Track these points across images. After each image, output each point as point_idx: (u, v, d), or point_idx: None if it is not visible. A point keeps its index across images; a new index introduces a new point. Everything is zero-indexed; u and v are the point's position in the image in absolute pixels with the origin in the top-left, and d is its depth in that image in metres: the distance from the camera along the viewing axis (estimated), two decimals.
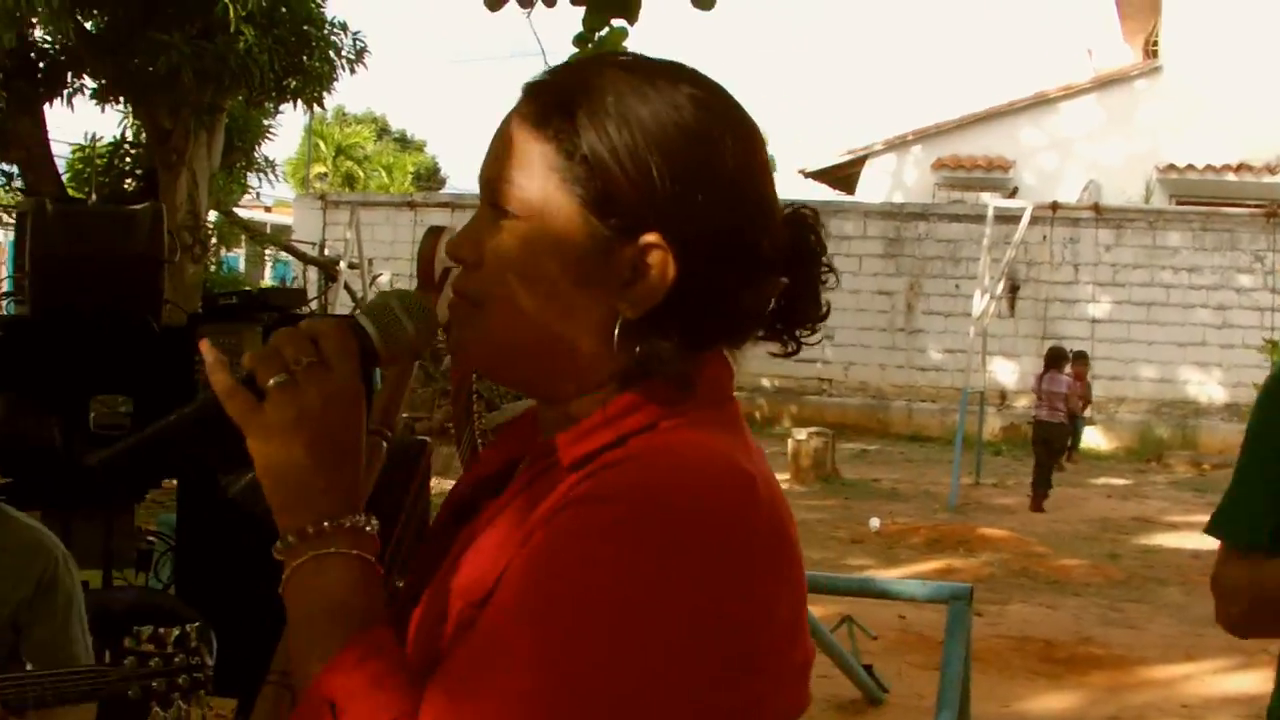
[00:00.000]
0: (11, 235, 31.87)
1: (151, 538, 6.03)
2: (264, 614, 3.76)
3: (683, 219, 1.52)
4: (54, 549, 3.98)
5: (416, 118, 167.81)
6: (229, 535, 4.85)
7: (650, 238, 1.52)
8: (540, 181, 1.54)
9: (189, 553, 5.11)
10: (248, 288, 22.20)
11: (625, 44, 6.65)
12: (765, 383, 25.77)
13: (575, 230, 1.54)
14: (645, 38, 8.49)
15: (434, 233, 3.53)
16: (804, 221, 1.66)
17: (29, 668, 3.76)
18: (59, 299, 5.31)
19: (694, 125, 1.55)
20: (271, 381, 1.51)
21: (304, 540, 1.53)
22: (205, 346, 1.56)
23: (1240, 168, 29.04)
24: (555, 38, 6.35)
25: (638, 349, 1.55)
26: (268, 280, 33.29)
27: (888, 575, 11.37)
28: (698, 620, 1.41)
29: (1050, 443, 18.18)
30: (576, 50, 6.62)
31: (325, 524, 1.53)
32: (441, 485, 3.81)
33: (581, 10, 6.60)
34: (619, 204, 1.53)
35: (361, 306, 1.60)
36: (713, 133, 1.56)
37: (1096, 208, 26.16)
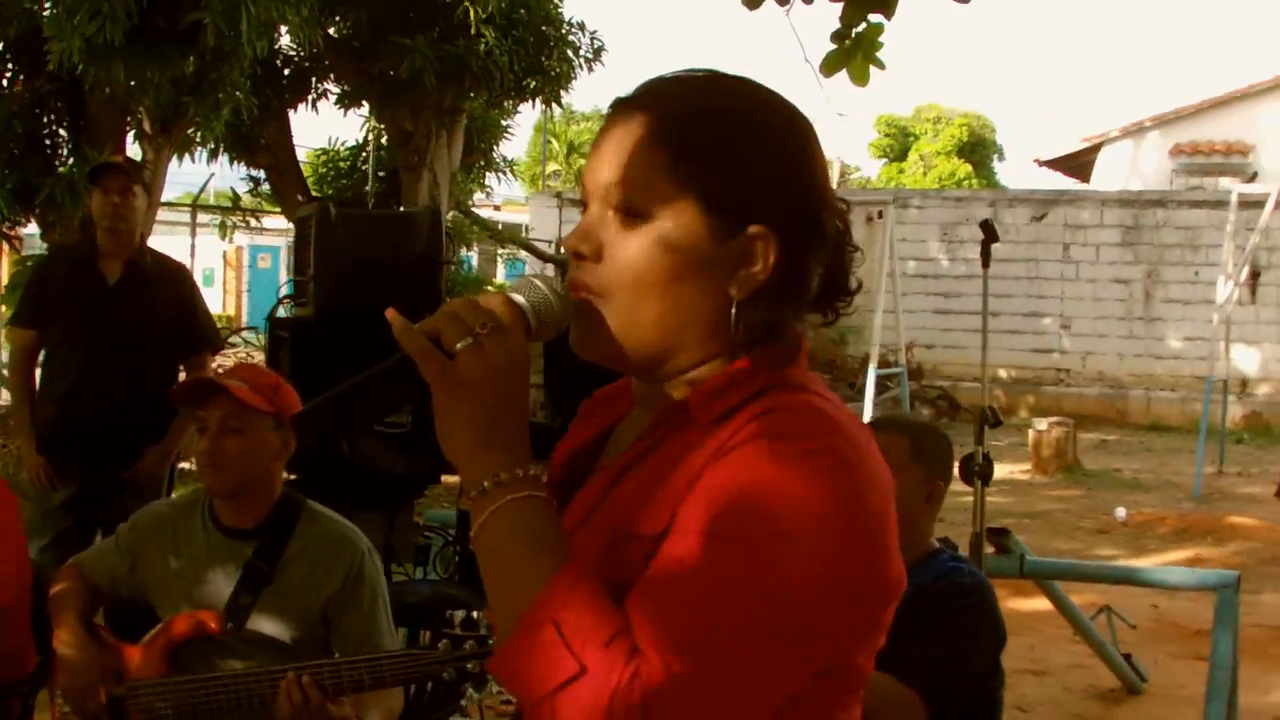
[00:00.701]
0: (254, 239, 32.43)
1: (428, 533, 6.18)
2: None
3: (780, 211, 1.82)
4: (360, 543, 4.16)
5: None
6: None
7: (756, 229, 1.81)
8: (659, 185, 1.80)
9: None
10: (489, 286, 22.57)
11: (881, 39, 6.70)
12: (1002, 373, 25.51)
13: (693, 227, 1.80)
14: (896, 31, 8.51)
15: None
16: (841, 212, 1.94)
17: (337, 657, 3.94)
18: (342, 300, 5.50)
19: (784, 132, 1.86)
20: (459, 344, 1.68)
21: (498, 486, 1.70)
22: (392, 314, 1.74)
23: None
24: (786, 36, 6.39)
25: (750, 323, 1.83)
26: (501, 279, 33.60)
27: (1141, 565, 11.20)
28: (872, 523, 1.74)
29: None
30: (834, 46, 6.69)
31: (517, 470, 1.70)
32: None
33: (839, 7, 6.64)
34: (729, 201, 1.80)
35: (510, 287, 1.78)
36: (797, 139, 1.87)
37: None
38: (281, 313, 6.11)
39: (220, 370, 5.67)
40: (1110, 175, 30.59)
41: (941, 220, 27.83)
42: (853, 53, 6.70)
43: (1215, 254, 23.49)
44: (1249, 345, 24.62)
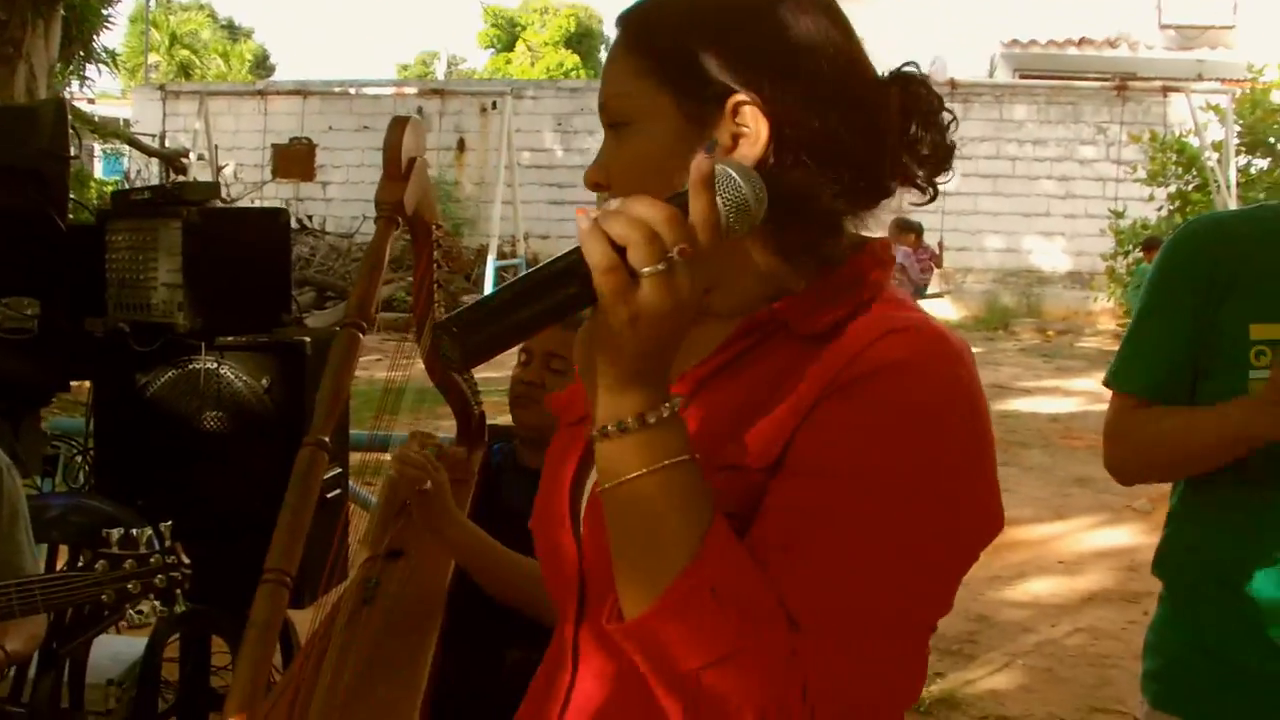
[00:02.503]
0: None
1: (57, 442, 5.90)
2: (195, 514, 3.74)
3: (761, 78, 1.64)
4: None
5: (241, 4, 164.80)
6: (151, 437, 4.80)
7: (734, 99, 1.64)
8: (636, 91, 1.69)
9: (109, 456, 5.02)
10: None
11: None
12: None
13: (671, 118, 1.67)
14: None
15: (399, 123, 3.48)
16: (911, 78, 1.76)
17: None
18: None
19: (753, 4, 1.70)
20: (647, 269, 1.42)
21: (643, 426, 1.49)
22: (581, 214, 1.48)
23: (1082, 42, 29.40)
24: None
25: (782, 190, 1.60)
26: (99, 174, 32.46)
27: None
28: (983, 447, 1.62)
29: None
30: None
31: (661, 409, 1.50)
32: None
33: None
34: (697, 80, 1.66)
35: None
36: (765, 10, 1.69)
37: (952, 83, 26.31)
38: None
39: None
40: None
41: (556, 111, 27.95)
42: None
43: None
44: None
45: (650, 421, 1.48)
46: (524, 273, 1.46)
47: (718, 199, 1.47)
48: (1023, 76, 29.43)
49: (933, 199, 1.77)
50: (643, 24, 1.72)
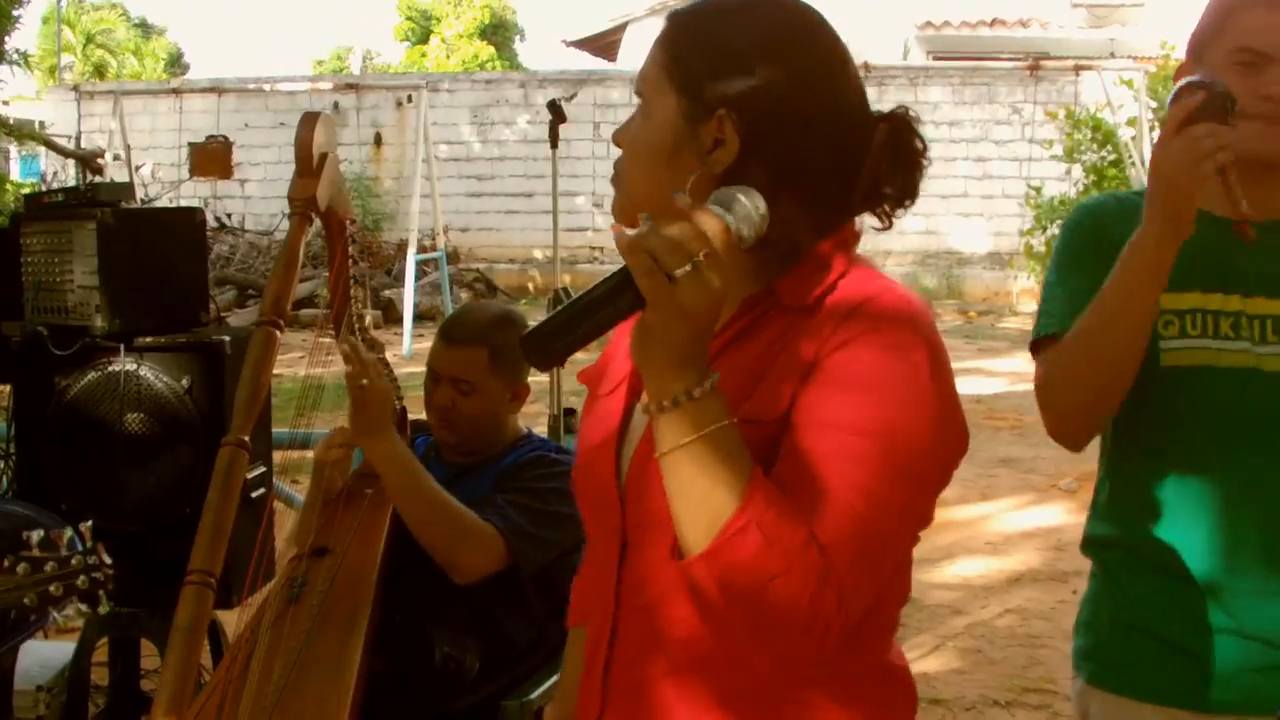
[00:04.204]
0: None
1: None
2: (119, 517, 3.72)
3: (749, 96, 2.01)
4: None
5: (153, 3, 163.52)
6: (72, 440, 4.77)
7: (721, 111, 2.01)
8: (656, 77, 2.07)
9: (30, 460, 4.99)
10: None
11: None
12: (538, 254, 25.77)
13: (670, 108, 2.05)
14: None
15: (309, 120, 3.48)
16: (899, 121, 2.12)
17: None
18: None
19: (772, 25, 2.06)
20: (679, 271, 1.73)
21: (691, 400, 1.81)
22: (617, 230, 1.88)
23: (994, 23, 29.59)
24: None
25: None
26: (15, 176, 32.16)
27: None
28: (949, 380, 2.00)
29: None
30: None
31: (705, 384, 1.81)
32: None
33: None
34: (695, 83, 2.03)
35: (713, 199, 1.88)
36: (789, 31, 2.06)
37: (866, 66, 26.35)
38: None
39: None
40: (638, 54, 31.00)
41: (472, 103, 27.95)
42: None
43: None
44: None
45: (696, 395, 1.81)
46: (584, 291, 1.80)
47: (730, 215, 1.83)
48: (936, 58, 29.58)
49: (887, 227, 2.16)
50: (679, 27, 2.08)
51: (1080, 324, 2.78)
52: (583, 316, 1.79)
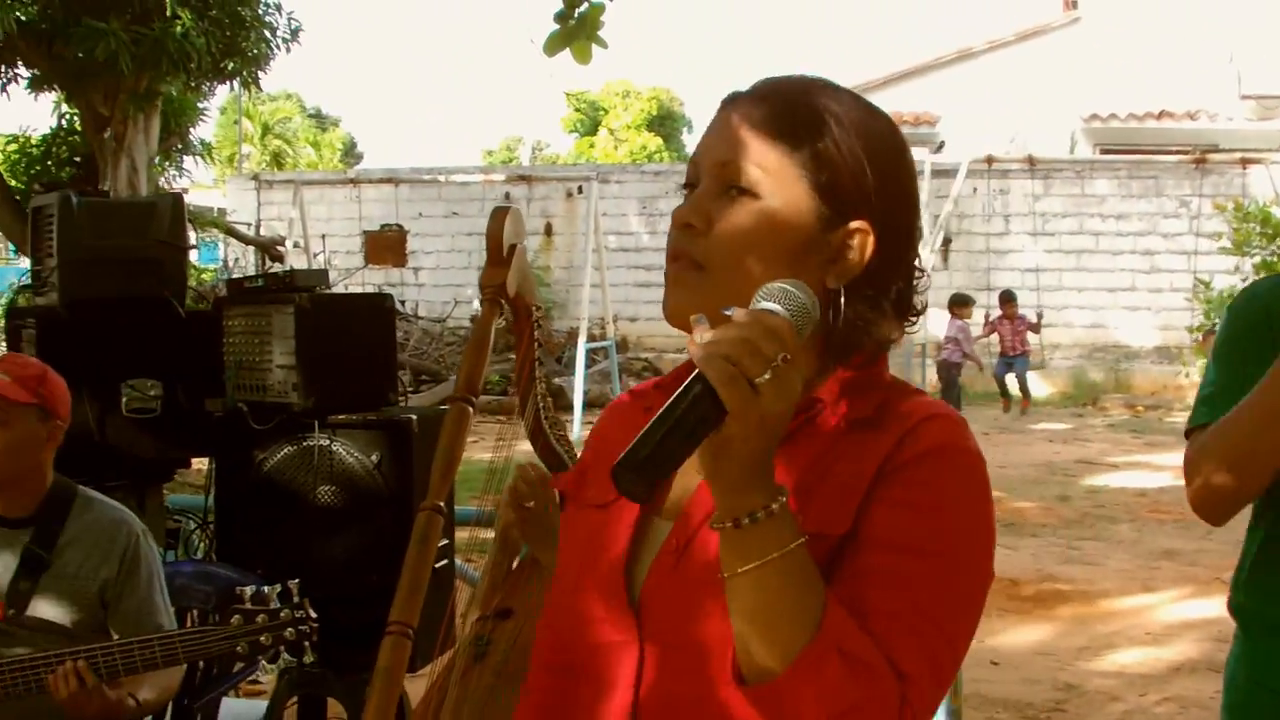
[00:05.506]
0: None
1: (178, 516, 6.20)
2: (309, 583, 3.98)
3: (881, 211, 1.95)
4: (134, 526, 4.20)
5: (328, 94, 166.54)
6: (268, 510, 5.08)
7: (858, 223, 1.93)
8: (775, 167, 1.92)
9: (229, 528, 5.31)
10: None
11: (603, 19, 6.86)
12: None
13: (801, 209, 1.92)
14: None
15: (500, 213, 3.74)
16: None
17: (115, 638, 3.98)
18: (89, 289, 5.49)
19: (891, 139, 2.01)
20: (759, 379, 1.62)
21: (769, 516, 1.69)
22: (693, 345, 1.69)
23: (1161, 115, 29.45)
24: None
25: (849, 318, 1.95)
26: (196, 261, 32.93)
27: None
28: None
29: (942, 381, 19.55)
30: (558, 28, 6.83)
31: (780, 498, 1.70)
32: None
33: None
34: (840, 193, 1.93)
35: (764, 296, 1.72)
36: (901, 147, 2.02)
37: (1030, 160, 26.42)
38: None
39: None
40: None
41: (640, 194, 28.21)
42: (575, 33, 6.85)
43: None
44: (943, 309, 25.46)
45: (774, 510, 1.69)
46: (664, 410, 1.65)
47: (784, 309, 1.70)
48: (1103, 151, 29.48)
49: (899, 339, 2.07)
50: (794, 110, 1.95)
51: (1236, 414, 2.85)
52: (669, 439, 1.64)
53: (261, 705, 5.35)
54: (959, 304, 20.19)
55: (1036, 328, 21.86)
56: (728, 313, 1.69)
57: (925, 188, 20.49)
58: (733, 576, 1.71)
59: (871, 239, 1.94)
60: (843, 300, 1.95)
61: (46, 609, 4.05)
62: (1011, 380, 21.78)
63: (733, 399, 1.61)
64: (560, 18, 6.81)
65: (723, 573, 1.72)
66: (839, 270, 1.94)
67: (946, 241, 25.54)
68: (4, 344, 6.87)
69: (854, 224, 1.93)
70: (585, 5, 6.81)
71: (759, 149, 1.94)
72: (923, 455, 1.86)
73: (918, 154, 26.79)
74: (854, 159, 1.93)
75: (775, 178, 1.92)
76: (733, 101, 2.01)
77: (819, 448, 1.91)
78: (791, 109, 1.95)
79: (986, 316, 21.64)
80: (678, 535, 1.93)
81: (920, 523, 1.82)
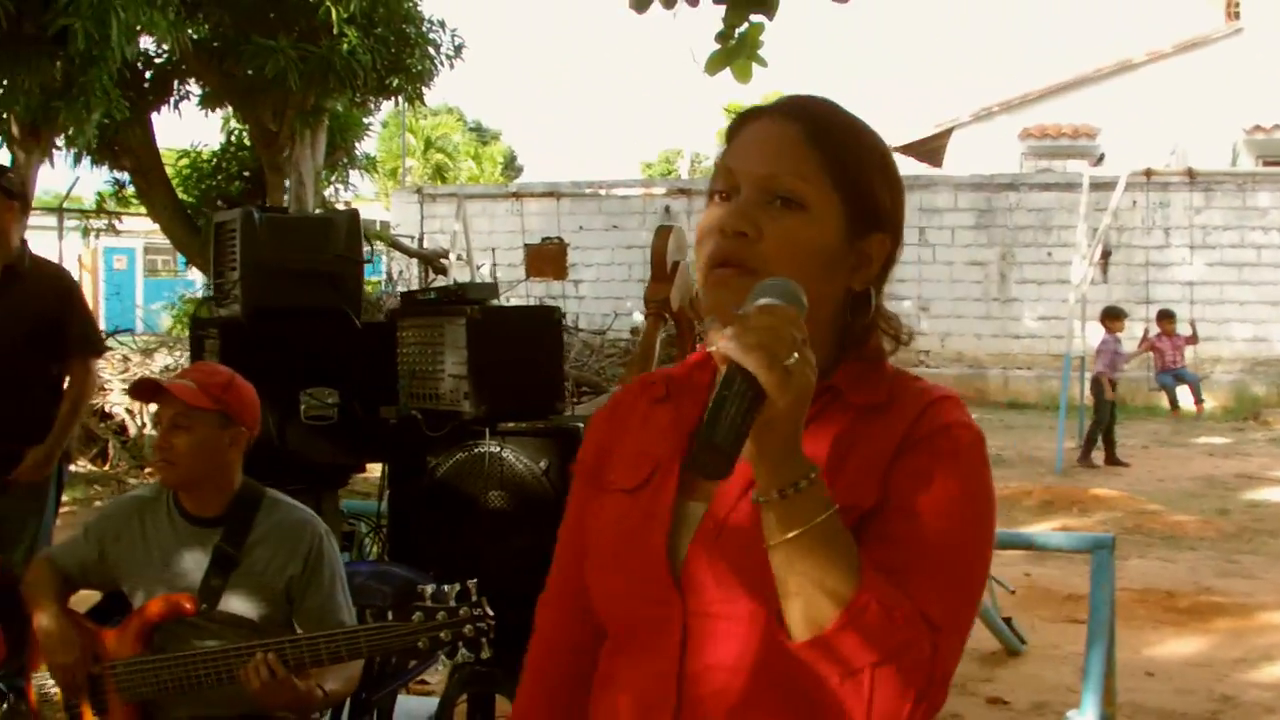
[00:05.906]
0: (108, 241, 31.73)
1: (353, 520, 6.42)
2: (479, 586, 4.16)
3: (891, 224, 2.18)
4: (318, 527, 4.42)
5: (488, 108, 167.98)
6: (439, 514, 5.28)
7: (880, 236, 2.16)
8: (816, 181, 2.10)
9: (402, 531, 5.53)
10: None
11: (762, 38, 6.99)
12: None
13: (837, 222, 2.11)
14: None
15: (664, 231, 3.93)
16: None
17: (299, 633, 4.20)
18: (269, 300, 5.74)
19: (890, 155, 2.22)
20: (789, 360, 1.80)
21: (810, 485, 1.87)
22: (722, 341, 1.86)
23: None
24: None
25: (862, 316, 2.18)
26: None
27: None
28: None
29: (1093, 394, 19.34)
30: (718, 46, 6.97)
31: (815, 472, 1.89)
32: None
33: (722, 8, 6.91)
34: (867, 206, 2.14)
35: (764, 290, 1.92)
36: (893, 163, 2.22)
37: (1190, 172, 26.15)
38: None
39: (174, 369, 5.83)
40: (961, 160, 31.11)
41: None
42: (736, 52, 6.98)
43: (1066, 235, 24.27)
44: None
45: (813, 478, 1.87)
46: (715, 400, 1.82)
47: (783, 301, 1.89)
48: (1266, 163, 29.13)
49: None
50: (825, 128, 2.14)
51: None
52: (740, 421, 1.81)
53: (431, 702, 5.56)
54: (1111, 317, 20.12)
55: (1194, 339, 21.68)
56: (740, 311, 1.88)
57: (1083, 200, 20.41)
58: (779, 544, 1.88)
59: (886, 251, 2.18)
60: (871, 302, 2.17)
61: (236, 604, 4.27)
62: (1184, 393, 21.55)
63: (772, 382, 1.79)
64: (721, 37, 6.94)
65: (768, 542, 1.89)
66: (862, 275, 2.15)
67: (1105, 254, 25.36)
68: (189, 353, 7.09)
69: (877, 236, 2.15)
70: (745, 25, 6.93)
71: (800, 163, 2.10)
72: (937, 431, 2.07)
73: (1076, 167, 26.80)
74: (876, 175, 2.16)
75: (815, 190, 2.09)
76: (758, 117, 2.19)
77: (838, 429, 2.09)
78: (825, 128, 2.13)
79: (1145, 332, 21.46)
80: (715, 513, 2.09)
81: (941, 491, 2.01)
